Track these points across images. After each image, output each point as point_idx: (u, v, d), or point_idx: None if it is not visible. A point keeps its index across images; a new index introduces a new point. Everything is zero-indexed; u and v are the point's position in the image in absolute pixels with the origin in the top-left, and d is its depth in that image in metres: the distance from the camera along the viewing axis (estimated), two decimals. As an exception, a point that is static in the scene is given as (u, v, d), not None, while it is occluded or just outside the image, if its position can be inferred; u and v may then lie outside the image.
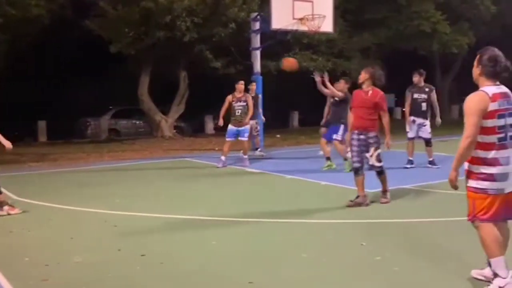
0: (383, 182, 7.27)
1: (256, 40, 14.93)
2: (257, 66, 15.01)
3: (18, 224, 6.35)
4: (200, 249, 5.22)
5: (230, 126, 11.54)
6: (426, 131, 10.52)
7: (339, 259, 4.84)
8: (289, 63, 12.30)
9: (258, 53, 15.03)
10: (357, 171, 7.08)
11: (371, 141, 7.04)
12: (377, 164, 7.09)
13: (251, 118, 12.06)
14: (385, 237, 5.55)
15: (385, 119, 7.29)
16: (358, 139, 7.07)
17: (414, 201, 7.49)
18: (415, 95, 10.56)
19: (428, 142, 10.56)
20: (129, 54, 17.72)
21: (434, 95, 10.79)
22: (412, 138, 10.53)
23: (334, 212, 6.81)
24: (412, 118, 10.50)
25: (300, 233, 5.84)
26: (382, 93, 7.17)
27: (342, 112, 9.93)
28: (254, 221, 6.37)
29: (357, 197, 7.07)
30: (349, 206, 6.98)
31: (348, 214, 6.64)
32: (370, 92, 7.14)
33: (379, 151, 7.09)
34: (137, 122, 22.46)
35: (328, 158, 10.44)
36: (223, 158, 11.37)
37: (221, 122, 11.74)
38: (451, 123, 25.35)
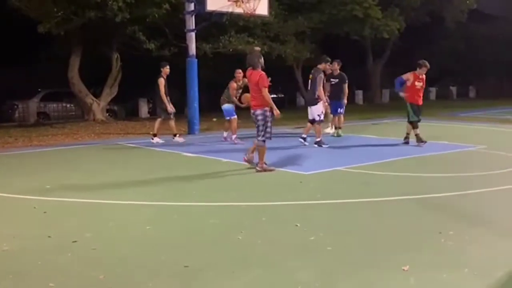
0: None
1: (191, 22, 14.76)
2: (192, 48, 14.86)
3: None
4: (134, 234, 5.14)
5: (228, 106, 12.18)
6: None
7: (274, 240, 4.90)
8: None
9: (193, 35, 14.86)
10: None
11: None
12: None
13: (170, 102, 12.55)
14: (318, 218, 5.67)
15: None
16: None
17: (345, 182, 7.69)
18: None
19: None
20: (58, 34, 17.02)
21: None
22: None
23: (267, 195, 6.88)
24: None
25: (234, 216, 5.87)
26: None
27: (342, 90, 12.85)
28: (188, 205, 6.34)
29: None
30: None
31: (280, 197, 6.72)
32: None
33: None
34: (68, 105, 21.66)
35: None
36: (234, 136, 12.15)
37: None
38: (382, 107, 26.22)
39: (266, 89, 8.18)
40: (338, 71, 12.97)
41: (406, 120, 11.40)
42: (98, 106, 19.32)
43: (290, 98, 28.74)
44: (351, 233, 5.09)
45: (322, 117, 11.31)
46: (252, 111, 8.40)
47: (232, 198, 6.62)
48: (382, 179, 7.86)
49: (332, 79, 12.93)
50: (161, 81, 12.34)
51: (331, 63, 12.19)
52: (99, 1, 15.55)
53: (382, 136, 12.89)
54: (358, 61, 29.86)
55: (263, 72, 8.29)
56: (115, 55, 19.51)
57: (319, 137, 11.26)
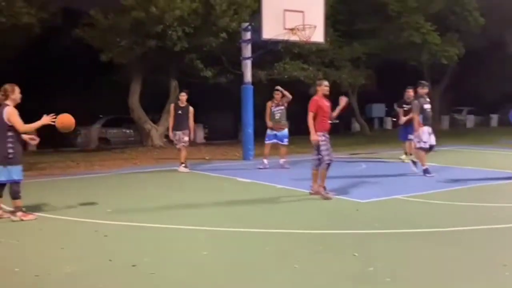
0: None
1: (247, 50, 14.99)
2: (248, 76, 15.06)
3: (8, 234, 6.28)
4: (191, 259, 5.18)
5: (268, 130, 12.46)
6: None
7: (331, 269, 4.82)
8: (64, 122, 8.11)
9: (249, 63, 15.08)
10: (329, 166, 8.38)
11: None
12: None
13: (178, 129, 12.29)
14: (376, 248, 5.54)
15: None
16: (329, 139, 8.41)
17: (405, 211, 7.50)
18: (425, 106, 10.71)
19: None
20: (120, 63, 17.67)
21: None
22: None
23: (323, 222, 6.82)
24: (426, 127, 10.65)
25: (290, 243, 5.82)
26: None
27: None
28: (244, 231, 6.34)
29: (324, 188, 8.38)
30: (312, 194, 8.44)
31: (337, 225, 6.64)
32: (327, 100, 8.52)
33: None
34: (127, 131, 22.38)
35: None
36: (265, 161, 12.37)
37: (269, 124, 12.53)
38: (442, 134, 25.56)
39: (311, 114, 8.28)
40: (412, 98, 12.73)
41: None
42: (157, 132, 19.80)
43: (345, 124, 28.56)
44: (411, 264, 4.94)
45: (422, 145, 10.58)
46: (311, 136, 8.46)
47: (287, 225, 6.58)
48: (442, 208, 7.63)
49: (405, 106, 12.85)
50: (171, 107, 12.68)
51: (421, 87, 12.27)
52: (159, 31, 16.07)
53: (443, 164, 12.53)
54: (415, 87, 29.20)
55: (315, 98, 8.42)
56: (174, 83, 20.02)
57: (422, 164, 10.75)
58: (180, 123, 12.25)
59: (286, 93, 12.29)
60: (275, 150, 12.74)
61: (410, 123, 11.80)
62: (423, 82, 11.17)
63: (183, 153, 12.34)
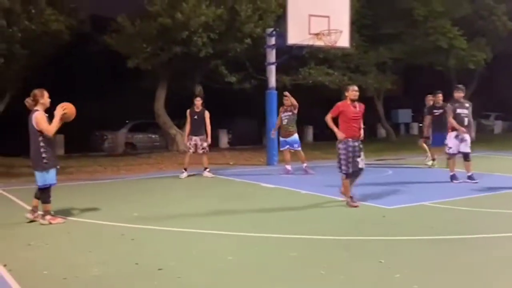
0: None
1: (272, 55, 15.02)
2: (272, 81, 15.08)
3: (37, 237, 6.40)
4: (216, 264, 5.20)
5: (280, 137, 12.63)
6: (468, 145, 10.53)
7: (357, 276, 4.78)
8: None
9: (273, 68, 15.10)
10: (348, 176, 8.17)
11: (361, 146, 8.16)
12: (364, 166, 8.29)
13: (195, 134, 12.24)
14: (403, 254, 5.49)
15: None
16: (353, 146, 8.03)
17: (432, 218, 7.40)
18: (458, 110, 10.48)
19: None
20: (146, 69, 17.87)
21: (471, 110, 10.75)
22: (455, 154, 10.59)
23: (348, 229, 6.77)
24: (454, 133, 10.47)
25: (315, 249, 5.80)
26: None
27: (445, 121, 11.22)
28: (269, 237, 6.33)
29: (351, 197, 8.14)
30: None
31: (363, 231, 6.58)
32: (357, 105, 8.22)
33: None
34: (153, 136, 22.62)
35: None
36: (287, 167, 12.41)
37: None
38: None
39: (329, 115, 8.21)
40: (441, 102, 12.62)
41: None
42: (182, 137, 19.93)
43: (371, 130, 28.30)
44: (438, 271, 4.87)
45: (449, 150, 10.56)
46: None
47: (312, 231, 6.55)
48: (471, 215, 7.51)
49: (435, 111, 12.71)
50: (187, 112, 12.44)
51: (434, 95, 12.79)
52: (184, 37, 16.21)
53: (472, 171, 12.34)
54: (442, 92, 28.80)
55: (339, 103, 8.30)
56: (198, 88, 20.14)
57: (450, 170, 10.69)
58: (196, 128, 12.25)
59: (292, 99, 12.25)
60: (295, 156, 12.73)
61: (444, 128, 11.57)
62: (459, 86, 10.93)
63: (205, 159, 12.38)
